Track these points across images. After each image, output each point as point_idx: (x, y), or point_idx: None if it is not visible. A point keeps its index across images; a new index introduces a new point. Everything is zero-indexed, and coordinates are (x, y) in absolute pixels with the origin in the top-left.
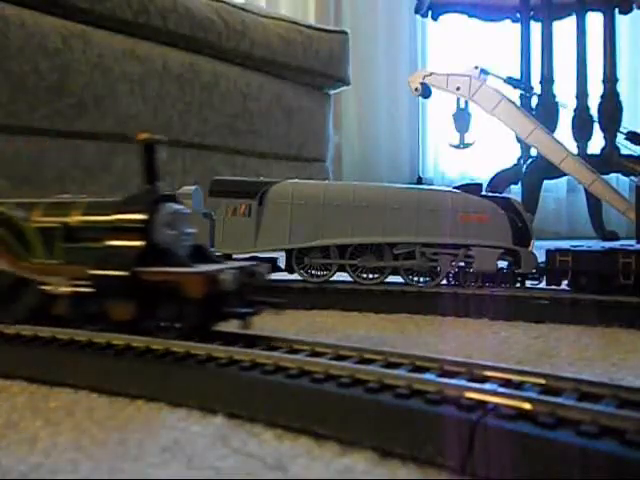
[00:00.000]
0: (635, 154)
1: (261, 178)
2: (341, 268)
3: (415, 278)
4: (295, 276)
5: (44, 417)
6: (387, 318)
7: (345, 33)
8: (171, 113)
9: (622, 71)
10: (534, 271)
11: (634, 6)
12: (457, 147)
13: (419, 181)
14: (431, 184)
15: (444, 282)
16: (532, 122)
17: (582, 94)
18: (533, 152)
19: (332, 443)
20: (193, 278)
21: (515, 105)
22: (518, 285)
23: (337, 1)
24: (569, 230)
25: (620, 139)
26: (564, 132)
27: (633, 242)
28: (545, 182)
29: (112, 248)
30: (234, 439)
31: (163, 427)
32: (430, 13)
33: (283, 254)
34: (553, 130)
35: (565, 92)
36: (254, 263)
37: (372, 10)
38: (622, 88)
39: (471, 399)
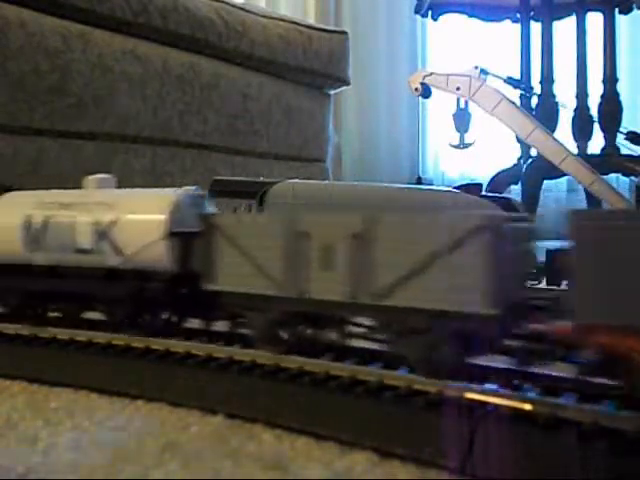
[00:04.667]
0: (635, 154)
1: (261, 178)
2: None
3: None
4: None
5: (44, 417)
6: None
7: (345, 33)
8: (171, 113)
9: (622, 71)
10: (534, 271)
11: (634, 6)
12: (457, 147)
13: (419, 181)
14: (431, 184)
15: None
16: (532, 122)
17: (582, 94)
18: (533, 152)
19: (332, 443)
20: None
21: (515, 105)
22: None
23: (337, 1)
24: None
25: (620, 139)
26: (564, 132)
27: None
28: (545, 182)
29: None
30: (233, 439)
31: (163, 427)
32: (430, 13)
33: None
34: (553, 130)
35: (565, 92)
36: None
37: (372, 10)
38: (622, 88)
39: (471, 400)
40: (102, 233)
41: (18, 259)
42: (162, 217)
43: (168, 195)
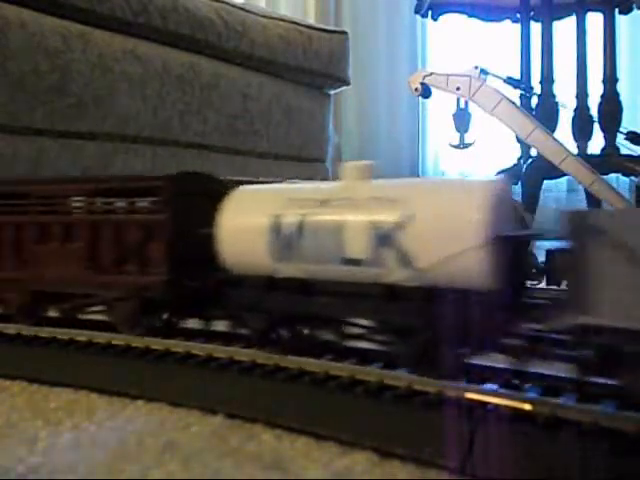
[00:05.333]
0: (635, 154)
1: (260, 178)
2: None
3: None
4: None
5: (44, 417)
6: None
7: (345, 33)
8: (171, 113)
9: (622, 71)
10: (534, 271)
11: (634, 6)
12: (457, 147)
13: None
14: None
15: None
16: (532, 122)
17: (582, 94)
18: (533, 152)
19: (332, 443)
20: None
21: (515, 105)
22: None
23: (337, 1)
24: None
25: (620, 139)
26: (564, 132)
27: None
28: (545, 182)
29: None
30: (233, 439)
31: (163, 427)
32: (430, 13)
33: None
34: (553, 130)
35: (565, 92)
36: None
37: (372, 10)
38: (622, 88)
39: (471, 400)
40: (383, 238)
41: (262, 270)
42: (477, 216)
43: (479, 186)
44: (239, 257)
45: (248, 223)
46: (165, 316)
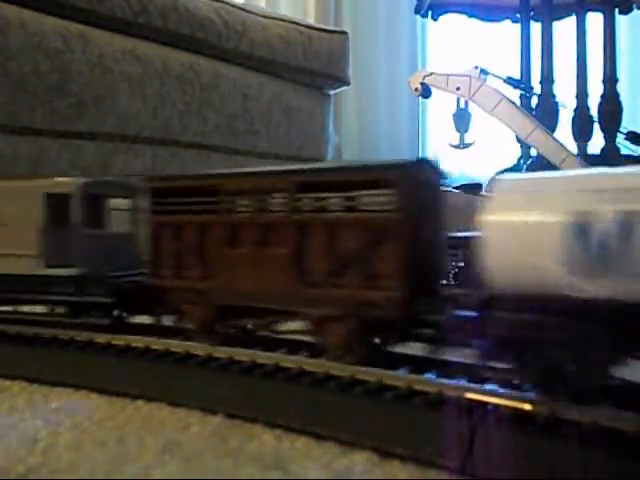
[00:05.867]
0: (635, 154)
1: None
2: None
3: None
4: None
5: (44, 417)
6: None
7: (345, 33)
8: (171, 113)
9: (622, 71)
10: None
11: (634, 6)
12: (457, 147)
13: None
14: None
15: None
16: (532, 122)
17: (582, 94)
18: (533, 152)
19: (332, 443)
20: None
21: (515, 105)
22: None
23: (337, 1)
24: None
25: (620, 139)
26: (564, 132)
27: None
28: None
29: None
30: (233, 439)
31: (163, 427)
32: (430, 13)
33: None
34: (553, 130)
35: (565, 92)
36: None
37: (372, 10)
38: (622, 88)
39: (471, 400)
40: None
41: (550, 288)
42: None
43: None
44: (514, 269)
45: (531, 224)
46: (377, 340)
